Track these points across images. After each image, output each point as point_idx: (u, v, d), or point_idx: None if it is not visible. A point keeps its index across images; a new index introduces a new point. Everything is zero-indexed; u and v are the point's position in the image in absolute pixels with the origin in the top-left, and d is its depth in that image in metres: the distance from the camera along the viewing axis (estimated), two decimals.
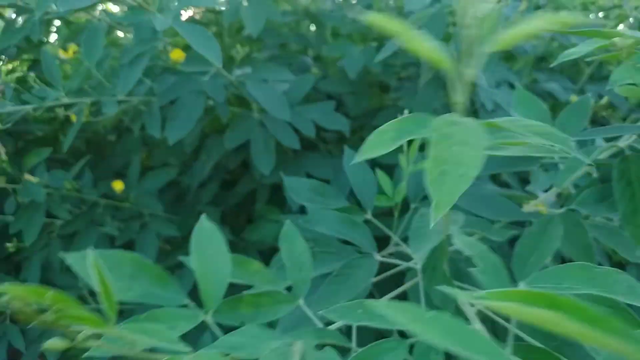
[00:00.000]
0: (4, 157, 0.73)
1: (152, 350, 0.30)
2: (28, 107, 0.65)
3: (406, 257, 0.55)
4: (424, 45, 0.29)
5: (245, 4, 0.75)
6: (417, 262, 0.49)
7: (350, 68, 0.92)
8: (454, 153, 0.29)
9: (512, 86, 0.90)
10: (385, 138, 0.33)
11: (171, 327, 0.34)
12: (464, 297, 0.28)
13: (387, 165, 0.73)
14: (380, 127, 0.34)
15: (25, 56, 0.83)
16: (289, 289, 0.43)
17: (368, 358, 0.34)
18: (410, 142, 0.66)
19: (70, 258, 0.33)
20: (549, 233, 0.44)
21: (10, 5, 0.67)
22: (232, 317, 0.37)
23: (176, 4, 0.59)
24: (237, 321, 0.37)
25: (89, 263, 0.29)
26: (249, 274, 0.42)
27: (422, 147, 0.65)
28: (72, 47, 0.70)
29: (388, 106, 1.06)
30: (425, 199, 0.71)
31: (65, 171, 0.82)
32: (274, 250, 1.13)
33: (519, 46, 1.00)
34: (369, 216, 0.63)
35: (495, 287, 0.36)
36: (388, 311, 0.22)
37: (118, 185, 0.87)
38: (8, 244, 0.95)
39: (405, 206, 0.67)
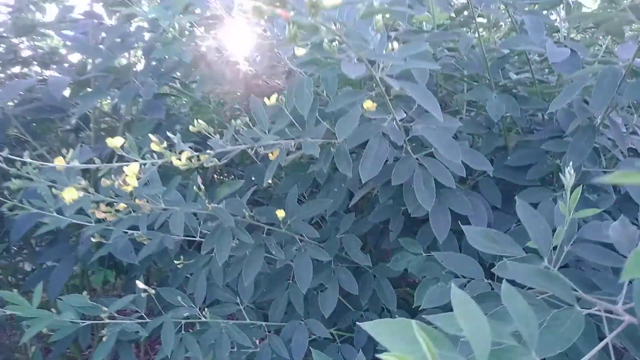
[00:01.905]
0: (202, 187, 0.82)
1: None
2: (243, 147, 0.73)
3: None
4: None
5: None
6: (621, 311, 0.54)
7: (492, 112, 0.97)
8: None
9: None
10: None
11: None
12: None
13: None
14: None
15: None
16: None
17: None
18: (571, 192, 0.70)
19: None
20: None
21: None
22: None
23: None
24: None
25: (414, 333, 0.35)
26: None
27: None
28: (273, 97, 0.78)
29: (518, 147, 1.10)
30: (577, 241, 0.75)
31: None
32: (401, 277, 1.17)
33: None
34: (546, 264, 0.67)
35: None
36: None
37: (280, 214, 0.95)
38: (176, 261, 1.05)
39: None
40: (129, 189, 0.69)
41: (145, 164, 0.67)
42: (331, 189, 1.10)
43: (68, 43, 1.44)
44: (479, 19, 1.19)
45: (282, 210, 0.93)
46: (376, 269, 1.09)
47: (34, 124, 1.44)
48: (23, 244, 1.56)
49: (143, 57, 1.11)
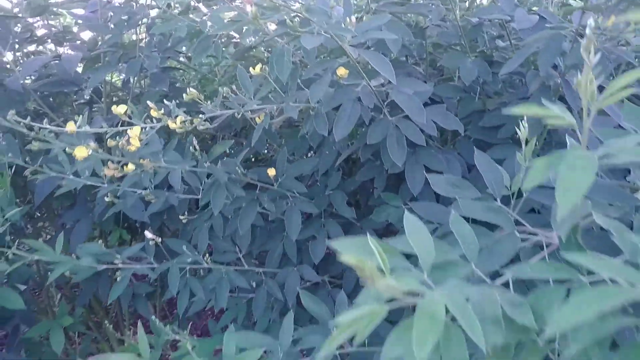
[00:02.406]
0: (197, 147, 0.93)
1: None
2: (230, 112, 0.84)
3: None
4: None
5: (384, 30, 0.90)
6: (551, 237, 0.64)
7: (465, 76, 1.06)
8: (574, 176, 0.43)
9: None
10: (541, 170, 0.48)
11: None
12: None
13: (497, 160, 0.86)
14: (537, 164, 0.48)
15: None
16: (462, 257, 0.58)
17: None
18: (526, 144, 0.79)
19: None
20: None
21: None
22: (437, 276, 0.53)
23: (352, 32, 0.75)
24: (439, 279, 0.52)
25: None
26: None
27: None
28: (258, 66, 0.87)
29: (492, 109, 1.18)
30: (537, 188, 0.84)
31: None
32: (386, 229, 1.28)
33: None
34: (498, 203, 0.77)
35: None
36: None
37: (271, 172, 1.06)
38: (181, 217, 1.17)
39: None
40: (133, 148, 0.80)
41: (146, 128, 0.78)
42: (323, 152, 1.21)
43: (79, 21, 1.54)
44: None
45: (272, 169, 1.04)
46: (363, 222, 1.20)
47: (51, 98, 1.55)
48: (45, 210, 1.70)
49: (147, 32, 1.21)
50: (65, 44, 1.47)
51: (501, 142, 1.11)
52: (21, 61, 1.55)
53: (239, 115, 0.85)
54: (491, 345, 0.42)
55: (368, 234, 0.47)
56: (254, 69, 0.87)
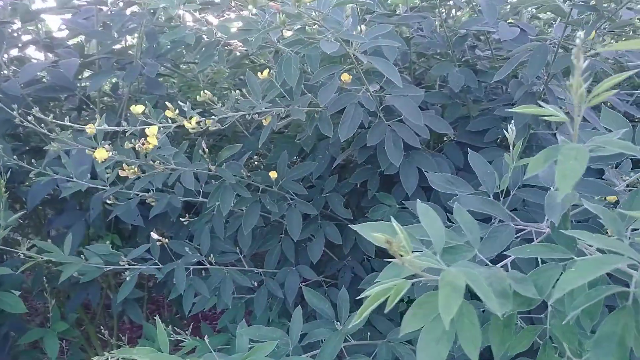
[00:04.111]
0: (206, 150, 0.98)
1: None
2: (241, 113, 0.90)
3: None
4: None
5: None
6: (540, 227, 0.72)
7: (453, 84, 1.15)
8: (570, 165, 0.51)
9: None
10: (541, 161, 0.56)
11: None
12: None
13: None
14: (537, 155, 0.57)
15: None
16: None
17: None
18: (514, 146, 0.89)
19: None
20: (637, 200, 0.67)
21: None
22: (447, 258, 0.60)
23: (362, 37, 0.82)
24: (449, 261, 0.60)
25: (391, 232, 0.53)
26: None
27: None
28: (265, 71, 0.94)
29: (478, 114, 1.27)
30: (522, 186, 0.93)
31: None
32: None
33: None
34: (491, 198, 0.85)
35: None
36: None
37: (273, 175, 1.12)
38: (182, 219, 1.22)
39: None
40: (150, 147, 0.84)
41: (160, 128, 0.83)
42: (316, 156, 1.28)
43: (63, 27, 1.57)
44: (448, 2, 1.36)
45: (274, 172, 1.10)
46: (357, 223, 1.27)
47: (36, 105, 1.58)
48: (30, 217, 1.70)
49: (146, 40, 1.26)
50: (55, 50, 1.49)
51: (486, 145, 1.20)
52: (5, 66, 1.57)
53: (249, 117, 0.91)
54: (501, 312, 0.49)
55: (393, 219, 0.54)
56: (257, 74, 0.93)
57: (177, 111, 0.85)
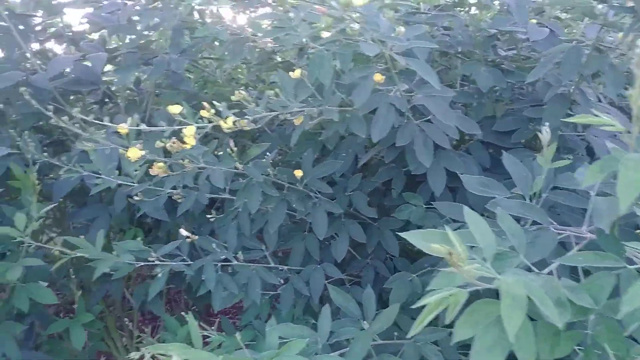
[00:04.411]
0: (234, 149, 0.97)
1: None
2: (274, 113, 0.89)
3: None
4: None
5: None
6: (581, 232, 0.71)
7: (482, 83, 1.13)
8: (631, 176, 0.50)
9: None
10: (596, 171, 0.55)
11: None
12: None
13: None
14: (591, 165, 0.56)
15: None
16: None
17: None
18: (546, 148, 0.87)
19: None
20: None
21: None
22: (496, 264, 0.59)
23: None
24: (498, 268, 0.59)
25: (440, 240, 0.52)
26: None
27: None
28: (297, 70, 0.93)
29: (504, 115, 1.26)
30: (554, 189, 0.92)
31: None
32: (402, 229, 1.33)
33: None
34: (527, 201, 0.84)
35: None
36: None
37: (298, 173, 1.11)
38: (208, 215, 1.21)
39: None
40: (188, 147, 0.84)
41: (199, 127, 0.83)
42: (339, 154, 1.27)
43: (84, 21, 1.56)
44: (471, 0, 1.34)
45: (299, 170, 1.09)
46: (380, 223, 1.26)
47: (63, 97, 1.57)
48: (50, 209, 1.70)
49: (172, 35, 1.25)
50: (80, 43, 1.48)
51: (513, 146, 1.19)
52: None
53: (282, 117, 0.90)
54: (562, 323, 0.48)
55: (446, 227, 0.53)
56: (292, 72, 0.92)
57: (213, 111, 0.84)
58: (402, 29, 0.83)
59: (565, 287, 0.53)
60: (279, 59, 1.43)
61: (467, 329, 0.54)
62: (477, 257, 0.58)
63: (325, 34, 0.82)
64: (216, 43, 1.62)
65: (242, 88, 1.91)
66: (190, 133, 0.83)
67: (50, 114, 0.90)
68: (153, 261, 1.04)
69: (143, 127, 0.83)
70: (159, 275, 1.04)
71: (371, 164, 1.44)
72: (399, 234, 0.59)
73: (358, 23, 0.69)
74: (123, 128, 0.83)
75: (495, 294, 0.56)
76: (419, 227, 1.15)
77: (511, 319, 0.45)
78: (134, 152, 0.83)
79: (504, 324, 0.45)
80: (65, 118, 0.82)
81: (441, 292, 0.53)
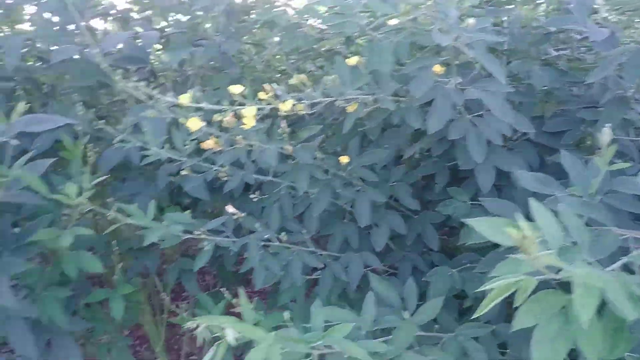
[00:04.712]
0: (286, 130, 0.98)
1: None
2: (330, 99, 0.89)
3: None
4: None
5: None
6: None
7: (536, 82, 1.11)
8: None
9: None
10: None
11: None
12: None
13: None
14: None
15: None
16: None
17: None
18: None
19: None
20: None
21: None
22: (561, 257, 0.59)
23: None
24: (564, 260, 0.58)
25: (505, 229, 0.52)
26: None
27: None
28: (356, 58, 0.93)
29: (553, 115, 1.24)
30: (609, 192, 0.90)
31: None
32: (442, 224, 1.33)
33: None
34: (586, 199, 0.83)
35: None
36: None
37: (344, 159, 1.11)
38: (251, 196, 1.23)
39: None
40: (247, 127, 0.85)
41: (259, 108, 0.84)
42: (381, 145, 1.26)
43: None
44: None
45: (345, 157, 1.10)
46: (420, 216, 1.26)
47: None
48: None
49: (225, 17, 1.26)
50: (130, 22, 1.51)
51: (563, 147, 1.17)
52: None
53: (338, 103, 0.90)
54: (634, 317, 0.48)
55: (518, 214, 0.53)
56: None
57: (271, 93, 0.85)
58: (471, 20, 0.82)
59: (635, 284, 0.52)
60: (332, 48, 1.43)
61: (530, 318, 0.54)
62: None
63: (392, 22, 0.82)
64: (254, 30, 1.64)
65: (278, 75, 1.92)
66: (251, 113, 0.84)
67: (118, 77, 0.92)
68: (200, 234, 1.06)
69: (205, 104, 0.84)
70: (206, 248, 1.06)
71: (410, 158, 1.44)
72: (465, 221, 0.59)
73: (430, 12, 0.69)
74: (185, 99, 0.84)
75: (558, 286, 0.56)
76: (461, 224, 1.15)
77: (584, 308, 0.44)
78: (195, 123, 0.85)
79: (577, 313, 0.45)
80: (131, 85, 0.84)
81: (503, 279, 0.53)
